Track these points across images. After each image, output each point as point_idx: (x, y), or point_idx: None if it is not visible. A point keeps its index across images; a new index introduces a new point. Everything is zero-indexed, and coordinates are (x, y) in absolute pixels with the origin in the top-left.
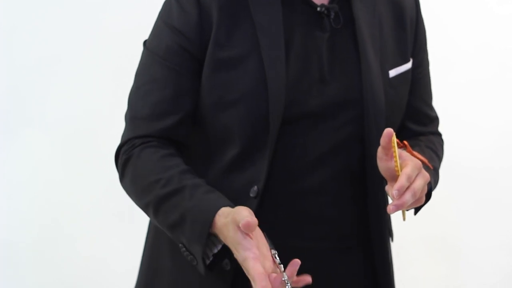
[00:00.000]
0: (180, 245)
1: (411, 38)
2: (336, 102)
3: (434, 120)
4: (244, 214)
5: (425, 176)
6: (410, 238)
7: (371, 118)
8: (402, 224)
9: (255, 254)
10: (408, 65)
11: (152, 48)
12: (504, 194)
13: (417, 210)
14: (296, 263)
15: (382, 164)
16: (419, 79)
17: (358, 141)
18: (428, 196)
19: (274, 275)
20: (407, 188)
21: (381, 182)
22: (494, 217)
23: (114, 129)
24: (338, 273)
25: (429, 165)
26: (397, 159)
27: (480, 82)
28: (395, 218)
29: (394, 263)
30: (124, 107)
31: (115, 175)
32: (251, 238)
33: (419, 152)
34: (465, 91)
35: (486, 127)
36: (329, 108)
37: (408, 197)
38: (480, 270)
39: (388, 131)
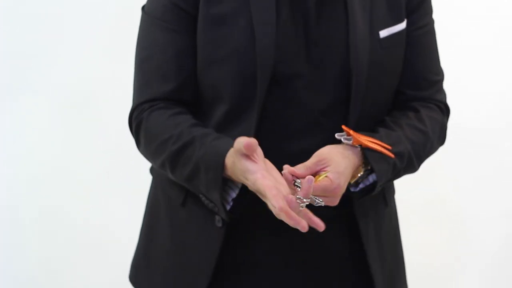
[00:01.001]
0: (200, 195)
1: None
2: (323, 63)
3: (435, 84)
4: (241, 140)
5: (331, 202)
6: (410, 204)
7: (354, 79)
8: (401, 190)
9: (263, 175)
10: (401, 25)
11: (149, 12)
12: (505, 160)
13: (365, 193)
14: (310, 179)
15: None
16: (417, 37)
17: (345, 103)
18: (373, 187)
19: (290, 196)
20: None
21: None
22: (495, 183)
23: (117, 93)
24: (328, 238)
25: (387, 152)
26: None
27: (483, 46)
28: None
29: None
30: (125, 72)
31: (117, 141)
32: (256, 162)
33: (381, 139)
34: (467, 55)
35: (487, 91)
36: (317, 70)
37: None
38: (480, 236)
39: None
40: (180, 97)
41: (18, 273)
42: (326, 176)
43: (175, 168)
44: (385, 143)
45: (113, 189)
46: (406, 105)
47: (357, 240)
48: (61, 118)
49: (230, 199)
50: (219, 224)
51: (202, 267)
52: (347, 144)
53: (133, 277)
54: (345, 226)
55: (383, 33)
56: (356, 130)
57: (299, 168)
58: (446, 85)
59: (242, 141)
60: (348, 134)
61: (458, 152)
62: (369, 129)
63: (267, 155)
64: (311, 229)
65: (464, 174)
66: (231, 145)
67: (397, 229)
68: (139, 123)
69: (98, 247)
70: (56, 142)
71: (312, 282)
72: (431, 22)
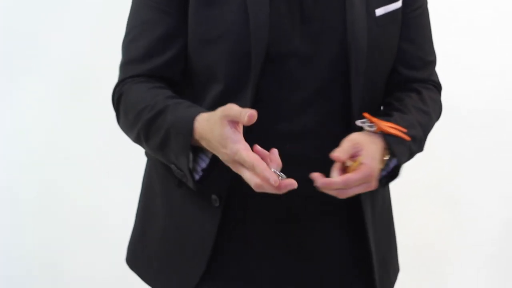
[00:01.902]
0: (172, 165)
1: None
2: (319, 41)
3: (429, 64)
4: (237, 108)
5: (370, 186)
6: (408, 188)
7: (354, 57)
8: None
9: (245, 146)
10: (397, 4)
11: None
12: (504, 142)
13: (387, 180)
14: (292, 184)
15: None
16: (412, 19)
17: (342, 82)
18: (395, 174)
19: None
20: (337, 187)
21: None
22: (492, 165)
23: (116, 74)
24: (325, 223)
25: (404, 136)
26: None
27: (481, 25)
28: None
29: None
30: None
31: (116, 122)
32: (239, 132)
33: (396, 122)
34: (465, 34)
35: (485, 73)
36: (312, 48)
37: (332, 193)
38: (479, 220)
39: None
40: (164, 74)
41: (16, 254)
42: (360, 163)
43: (149, 137)
44: (400, 126)
45: (112, 170)
46: (406, 86)
47: (357, 225)
48: (59, 98)
49: (199, 169)
50: (216, 204)
51: (199, 248)
52: (369, 131)
53: (129, 260)
54: (345, 212)
55: (379, 11)
56: (357, 111)
57: (339, 151)
58: (444, 66)
59: (238, 110)
60: (371, 121)
61: (454, 134)
62: (369, 111)
63: (262, 134)
64: (307, 213)
65: (461, 156)
66: (202, 111)
67: (390, 208)
68: (119, 96)
69: (96, 229)
70: (54, 123)
71: (305, 262)
72: (425, 2)
